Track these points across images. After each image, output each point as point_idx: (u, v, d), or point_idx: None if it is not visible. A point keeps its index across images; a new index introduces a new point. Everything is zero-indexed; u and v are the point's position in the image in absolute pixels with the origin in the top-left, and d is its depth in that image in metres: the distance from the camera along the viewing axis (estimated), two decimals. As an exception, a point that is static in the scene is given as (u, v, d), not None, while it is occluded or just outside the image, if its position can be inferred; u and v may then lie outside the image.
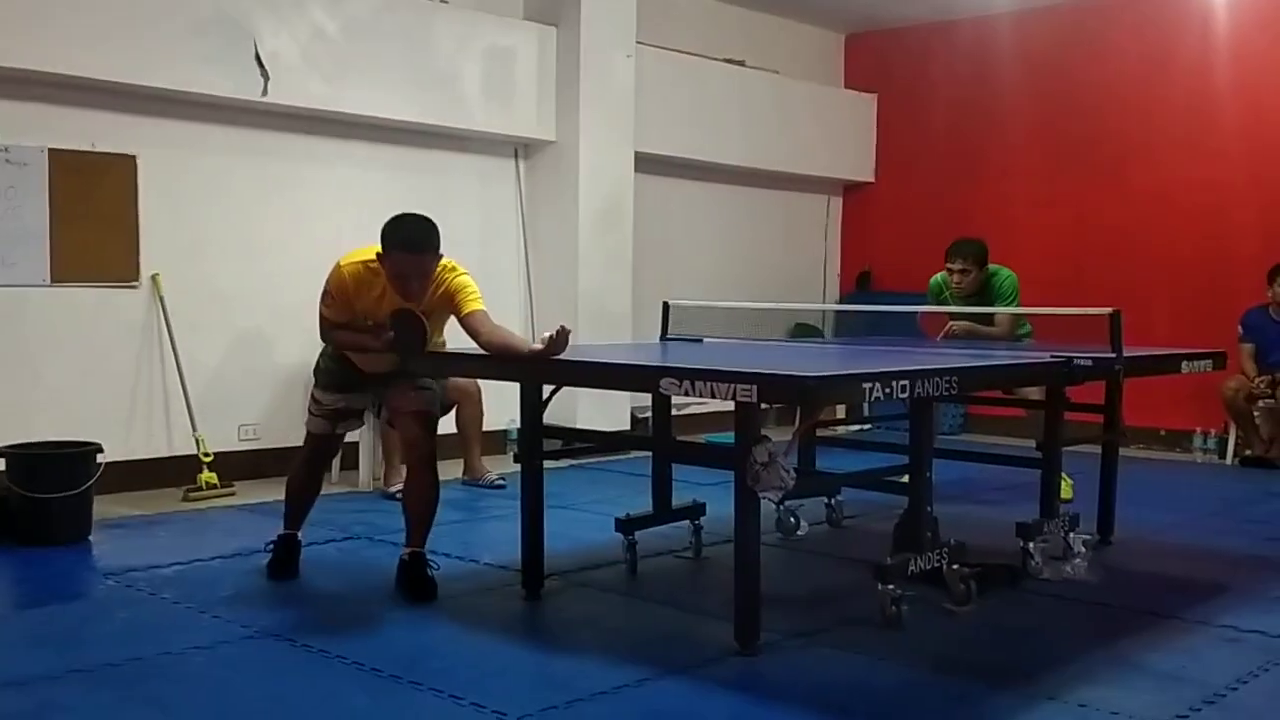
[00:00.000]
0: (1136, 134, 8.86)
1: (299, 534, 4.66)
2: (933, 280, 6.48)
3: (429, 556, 4.37)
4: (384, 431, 6.38)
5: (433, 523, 4.42)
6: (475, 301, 4.29)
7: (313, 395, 4.57)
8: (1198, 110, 8.57)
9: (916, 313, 6.97)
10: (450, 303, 4.29)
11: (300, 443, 4.73)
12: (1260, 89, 8.35)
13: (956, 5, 9.29)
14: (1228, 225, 8.45)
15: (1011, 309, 6.18)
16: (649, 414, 5.17)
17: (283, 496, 4.70)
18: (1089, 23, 9.08)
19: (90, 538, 5.20)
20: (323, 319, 4.38)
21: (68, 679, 3.41)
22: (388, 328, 4.21)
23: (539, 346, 4.01)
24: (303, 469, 4.67)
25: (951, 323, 6.39)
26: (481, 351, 4.25)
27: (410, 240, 4.14)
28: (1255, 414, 7.89)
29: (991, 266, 6.33)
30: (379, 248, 4.18)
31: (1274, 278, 7.85)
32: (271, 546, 4.61)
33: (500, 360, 4.21)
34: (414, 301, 4.21)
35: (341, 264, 4.30)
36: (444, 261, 4.29)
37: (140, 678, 3.45)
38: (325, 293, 4.32)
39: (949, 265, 6.29)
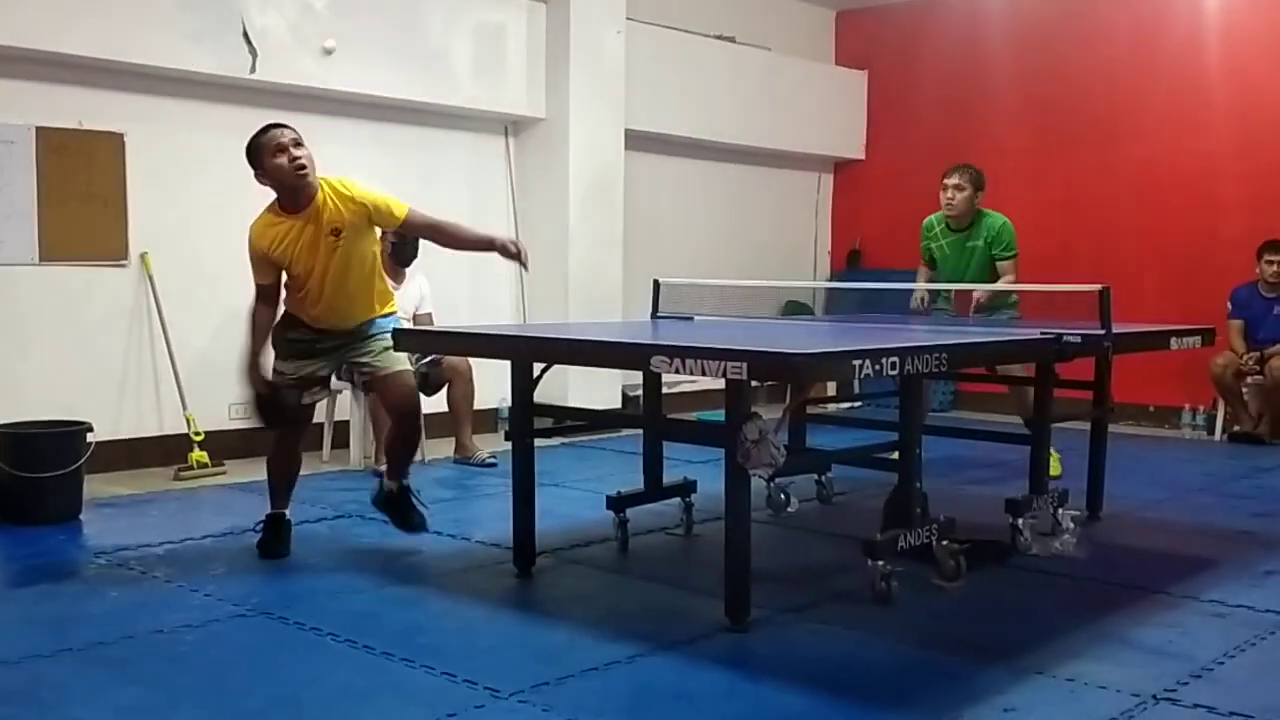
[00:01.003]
0: (1126, 111, 8.86)
1: (287, 512, 4.66)
2: (927, 220, 6.40)
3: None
4: (373, 409, 6.38)
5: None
6: (400, 203, 4.36)
7: (274, 368, 4.49)
8: (1187, 87, 8.57)
9: (910, 290, 6.85)
10: (374, 213, 4.33)
11: None
12: (1249, 66, 8.34)
13: (947, -19, 9.27)
14: (1216, 202, 8.46)
15: (1008, 283, 6.02)
16: (640, 392, 5.18)
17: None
18: (1077, 0, 9.08)
19: (81, 517, 5.20)
20: (255, 293, 4.43)
21: (59, 658, 3.42)
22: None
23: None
24: (279, 445, 4.64)
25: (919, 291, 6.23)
26: (472, 329, 4.27)
27: (265, 129, 4.26)
28: (1244, 390, 7.92)
29: (985, 210, 6.24)
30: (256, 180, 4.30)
31: (1263, 254, 7.88)
32: (260, 526, 4.61)
33: (456, 242, 4.60)
34: (307, 176, 4.21)
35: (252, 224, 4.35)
36: (333, 179, 4.31)
37: (132, 656, 3.45)
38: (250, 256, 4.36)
39: (944, 181, 6.18)
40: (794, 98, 9.63)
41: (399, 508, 4.67)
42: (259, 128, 4.29)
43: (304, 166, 4.19)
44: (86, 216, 6.09)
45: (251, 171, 4.27)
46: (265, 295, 4.40)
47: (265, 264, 4.32)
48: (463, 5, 7.39)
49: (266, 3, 6.40)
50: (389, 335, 4.42)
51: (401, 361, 4.50)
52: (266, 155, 4.19)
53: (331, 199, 4.25)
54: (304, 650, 3.52)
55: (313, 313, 4.40)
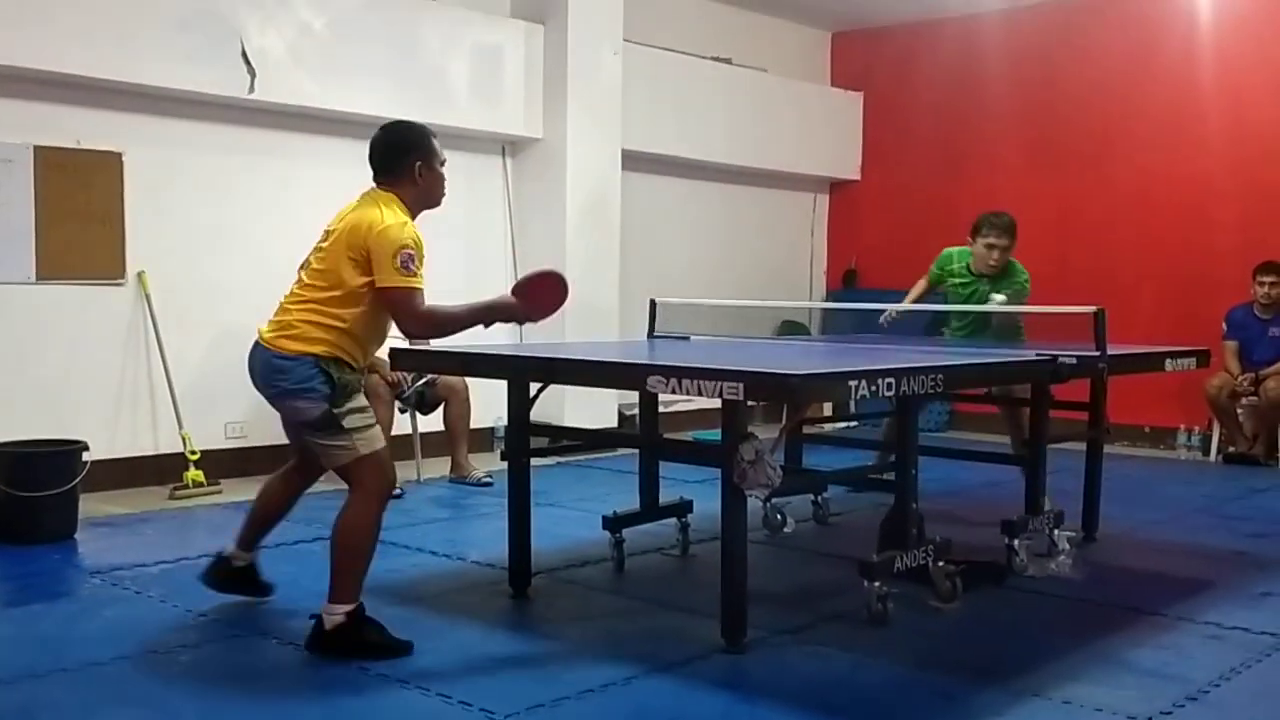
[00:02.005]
0: (1120, 131, 8.90)
1: (242, 558, 4.14)
2: (947, 252, 6.18)
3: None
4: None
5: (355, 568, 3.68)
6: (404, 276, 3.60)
7: (353, 408, 3.65)
8: (1181, 108, 8.61)
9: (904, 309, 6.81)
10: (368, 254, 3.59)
11: (280, 441, 4.04)
12: (1243, 87, 8.39)
13: (942, 4, 9.31)
14: (1211, 222, 8.50)
15: (1014, 307, 5.94)
16: (636, 411, 5.18)
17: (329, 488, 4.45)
18: (1073, 21, 9.12)
19: (76, 536, 5.19)
20: (421, 302, 3.62)
21: (54, 677, 3.41)
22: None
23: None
24: (374, 520, 3.70)
25: (891, 309, 6.13)
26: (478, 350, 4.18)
27: (428, 130, 3.88)
28: (1239, 411, 7.93)
29: (1012, 261, 6.08)
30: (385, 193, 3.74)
31: (1257, 276, 7.90)
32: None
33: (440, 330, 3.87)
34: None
35: (399, 222, 3.63)
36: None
37: (126, 677, 3.44)
38: (410, 258, 3.57)
39: (987, 240, 5.91)
40: (790, 119, 9.67)
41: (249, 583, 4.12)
42: (410, 122, 3.93)
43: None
44: (84, 235, 6.09)
45: (406, 158, 3.75)
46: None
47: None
48: (461, 26, 7.42)
49: (265, 23, 6.42)
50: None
51: (336, 458, 3.74)
52: (437, 160, 3.82)
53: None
54: (298, 671, 3.51)
55: (376, 345, 3.88)
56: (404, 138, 3.84)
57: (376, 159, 3.85)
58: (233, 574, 4.10)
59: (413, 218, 3.73)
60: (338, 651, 3.55)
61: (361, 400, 3.72)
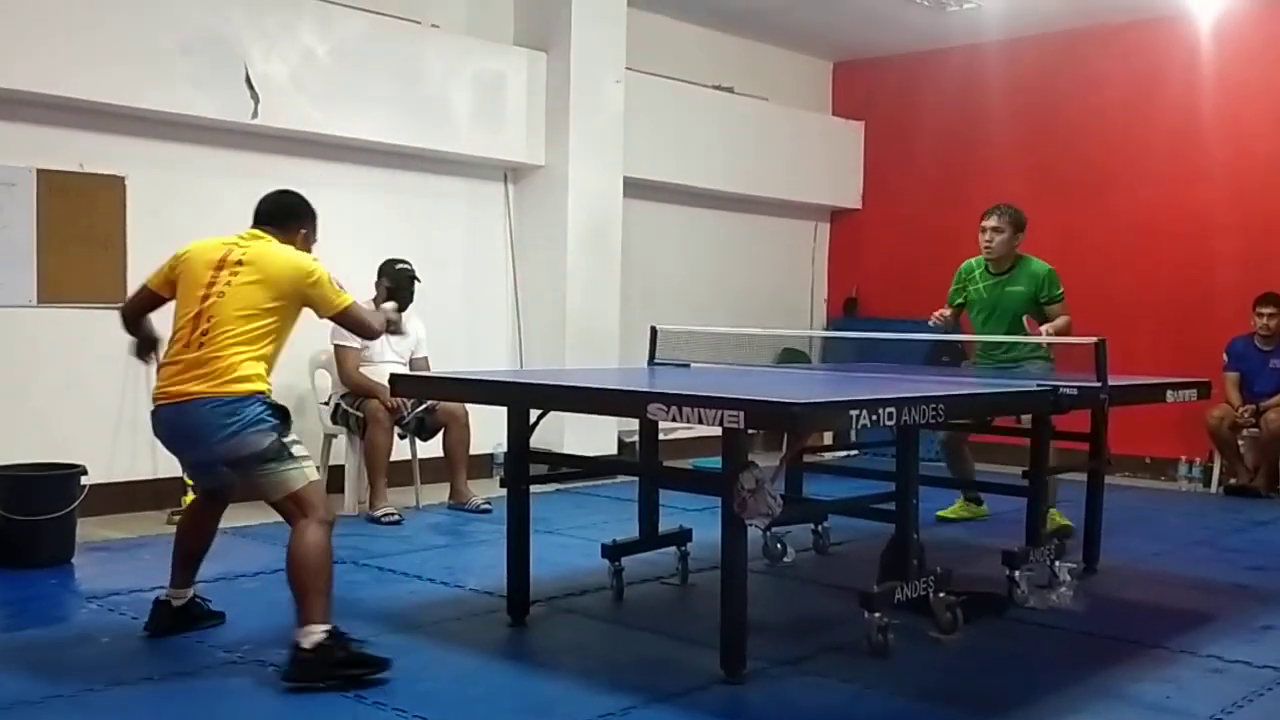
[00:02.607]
0: (1121, 162, 8.92)
1: (176, 598, 4.12)
2: (966, 263, 6.30)
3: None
4: (367, 454, 6.37)
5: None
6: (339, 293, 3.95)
7: (296, 440, 3.78)
8: (1182, 139, 8.63)
9: (905, 339, 6.81)
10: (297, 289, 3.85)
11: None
12: (1244, 118, 8.42)
13: (943, 34, 9.35)
14: (1212, 253, 8.51)
15: (1064, 323, 5.84)
16: (636, 438, 5.17)
17: (265, 520, 4.58)
18: (1075, 52, 9.16)
19: (73, 560, 5.17)
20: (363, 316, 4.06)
21: (49, 704, 3.39)
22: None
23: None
24: (329, 542, 3.77)
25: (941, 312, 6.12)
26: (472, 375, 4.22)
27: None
28: (1240, 443, 7.92)
29: (1026, 255, 6.18)
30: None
31: (1258, 307, 7.90)
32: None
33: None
34: None
35: (310, 256, 3.99)
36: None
37: (123, 704, 3.42)
38: (327, 281, 3.86)
39: (982, 223, 6.10)
40: (791, 147, 9.70)
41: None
42: (306, 199, 4.19)
43: None
44: (86, 259, 6.10)
45: (297, 223, 4.08)
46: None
47: None
48: (464, 54, 7.46)
49: (269, 49, 6.45)
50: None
51: (273, 488, 3.76)
52: (313, 241, 4.15)
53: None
54: (295, 698, 3.48)
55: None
56: (302, 206, 4.14)
57: (272, 211, 4.08)
58: (175, 613, 4.08)
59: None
60: (319, 671, 3.50)
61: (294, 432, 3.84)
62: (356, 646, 3.62)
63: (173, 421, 3.77)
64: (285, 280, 3.79)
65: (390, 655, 3.64)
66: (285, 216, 4.07)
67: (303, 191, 6.93)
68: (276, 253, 3.87)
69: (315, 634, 3.54)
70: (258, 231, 3.98)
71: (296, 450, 3.73)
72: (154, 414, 3.86)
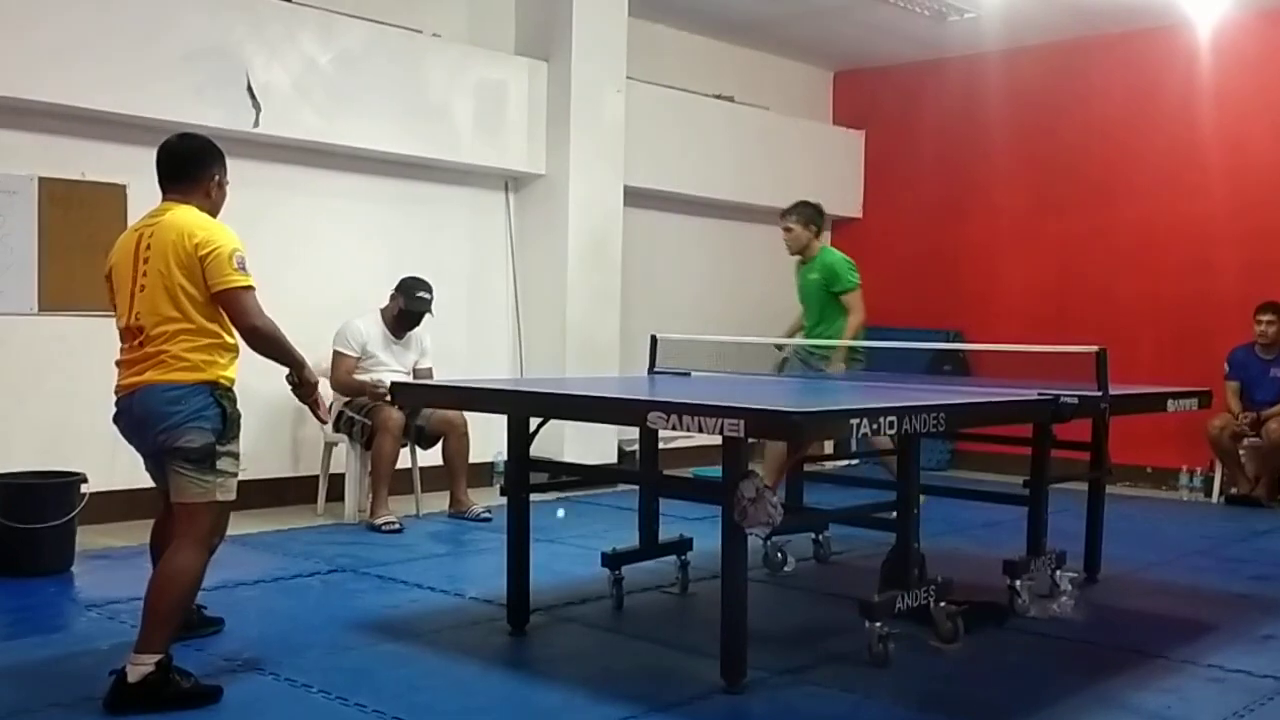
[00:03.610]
0: (1122, 173, 8.93)
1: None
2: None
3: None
4: (374, 462, 6.37)
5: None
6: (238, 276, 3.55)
7: (230, 452, 3.57)
8: (1182, 150, 8.64)
9: (906, 348, 6.98)
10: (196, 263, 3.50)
11: (280, 474, 3.92)
12: (1244, 128, 8.42)
13: (944, 44, 9.36)
14: (1212, 263, 8.50)
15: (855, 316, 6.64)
16: (636, 447, 5.17)
17: (263, 529, 4.57)
18: (1075, 62, 9.17)
19: (73, 568, 5.16)
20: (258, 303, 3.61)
21: (49, 712, 3.38)
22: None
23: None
24: (202, 569, 3.61)
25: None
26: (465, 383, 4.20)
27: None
28: (1241, 452, 7.91)
29: (827, 247, 6.88)
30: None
31: (1258, 315, 7.90)
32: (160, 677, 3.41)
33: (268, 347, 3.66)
34: None
35: (220, 227, 3.64)
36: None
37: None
38: (244, 259, 3.59)
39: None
40: (792, 156, 9.70)
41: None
42: (205, 136, 3.92)
43: None
44: (87, 267, 6.07)
45: (207, 169, 3.77)
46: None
47: None
48: (465, 63, 7.47)
49: (271, 58, 6.46)
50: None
51: (197, 495, 3.57)
52: (227, 178, 3.84)
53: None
54: (295, 707, 3.48)
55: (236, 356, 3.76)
56: (203, 151, 3.77)
57: (175, 166, 3.72)
58: None
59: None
60: (139, 706, 3.28)
61: (238, 447, 3.62)
62: (185, 679, 3.41)
63: (129, 410, 3.56)
64: (183, 252, 3.48)
65: (391, 665, 3.63)
66: (186, 168, 3.72)
67: (304, 199, 6.97)
68: (170, 226, 3.55)
69: (144, 666, 3.33)
70: (166, 203, 3.69)
71: (223, 465, 3.52)
72: (115, 412, 3.66)
